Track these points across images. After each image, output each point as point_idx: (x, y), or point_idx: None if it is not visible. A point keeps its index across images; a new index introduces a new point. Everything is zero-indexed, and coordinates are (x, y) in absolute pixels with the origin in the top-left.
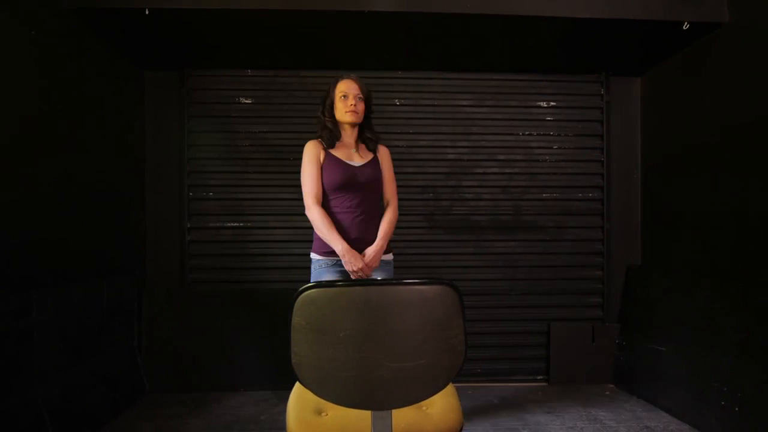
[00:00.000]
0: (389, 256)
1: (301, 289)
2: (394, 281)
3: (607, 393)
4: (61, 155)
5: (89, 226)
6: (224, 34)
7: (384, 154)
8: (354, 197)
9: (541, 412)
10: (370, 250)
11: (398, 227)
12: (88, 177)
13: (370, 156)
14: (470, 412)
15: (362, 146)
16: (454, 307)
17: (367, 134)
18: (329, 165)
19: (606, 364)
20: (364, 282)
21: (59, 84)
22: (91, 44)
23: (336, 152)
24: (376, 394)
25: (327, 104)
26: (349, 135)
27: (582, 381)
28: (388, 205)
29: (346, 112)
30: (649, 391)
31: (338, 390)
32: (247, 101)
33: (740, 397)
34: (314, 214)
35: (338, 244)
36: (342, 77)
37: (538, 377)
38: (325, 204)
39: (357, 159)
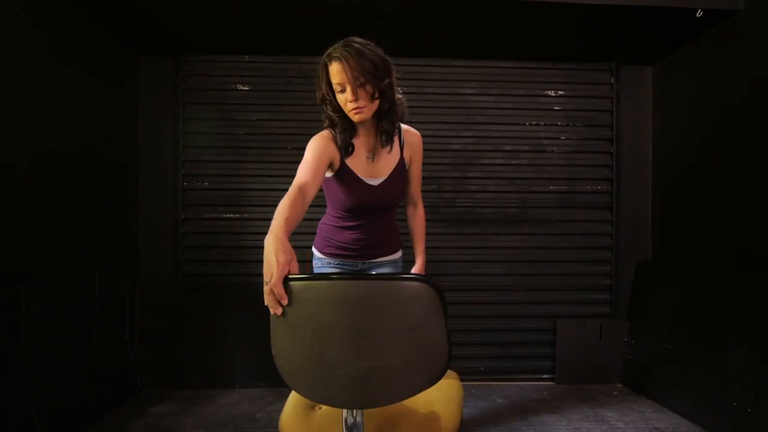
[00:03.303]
0: (398, 255)
1: None
2: (363, 276)
3: (615, 393)
4: (50, 143)
5: (80, 217)
6: (221, 18)
7: (415, 147)
8: (369, 215)
9: (546, 412)
10: (419, 271)
11: (399, 219)
12: (78, 165)
13: (395, 160)
14: (473, 411)
15: (379, 140)
16: (431, 306)
17: (384, 125)
18: (342, 181)
19: (614, 363)
20: (335, 276)
21: (49, 68)
22: (84, 27)
23: (352, 162)
24: (343, 392)
25: (326, 94)
26: (367, 129)
27: (589, 380)
28: (415, 205)
29: (350, 111)
30: (659, 391)
31: (307, 384)
32: (244, 88)
33: (753, 398)
34: (282, 199)
35: (277, 226)
36: (330, 59)
37: (544, 376)
38: (334, 213)
39: (378, 173)
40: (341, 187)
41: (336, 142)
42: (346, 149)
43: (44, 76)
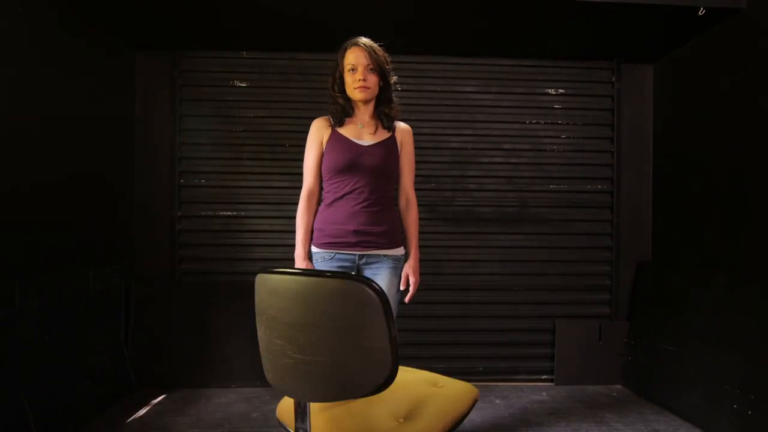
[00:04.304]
0: (399, 251)
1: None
2: (311, 272)
3: (615, 394)
4: (45, 139)
5: (75, 213)
6: (219, 13)
7: (405, 134)
8: (359, 181)
9: (544, 413)
10: (412, 268)
11: None
12: (73, 161)
13: (385, 135)
14: (471, 412)
15: (378, 123)
16: (371, 309)
17: (384, 109)
18: (333, 145)
19: (613, 364)
20: (285, 271)
21: (44, 63)
22: (80, 21)
23: (344, 130)
24: (286, 381)
25: (336, 77)
26: (362, 112)
27: (588, 381)
28: (407, 199)
29: (354, 88)
30: (659, 392)
31: (266, 370)
32: (241, 85)
33: (753, 399)
34: (298, 208)
35: (298, 248)
36: (349, 45)
37: (543, 377)
38: (327, 188)
39: (367, 137)
40: (332, 149)
41: (329, 121)
42: (338, 120)
43: (39, 71)
